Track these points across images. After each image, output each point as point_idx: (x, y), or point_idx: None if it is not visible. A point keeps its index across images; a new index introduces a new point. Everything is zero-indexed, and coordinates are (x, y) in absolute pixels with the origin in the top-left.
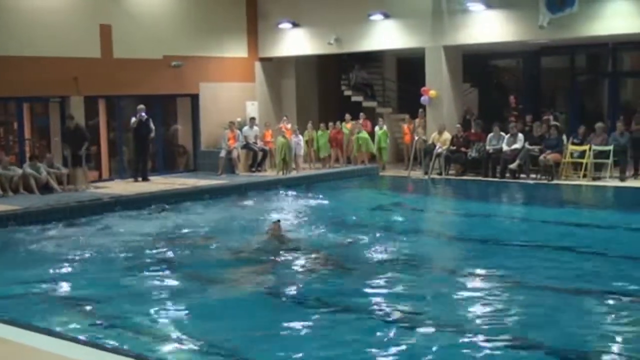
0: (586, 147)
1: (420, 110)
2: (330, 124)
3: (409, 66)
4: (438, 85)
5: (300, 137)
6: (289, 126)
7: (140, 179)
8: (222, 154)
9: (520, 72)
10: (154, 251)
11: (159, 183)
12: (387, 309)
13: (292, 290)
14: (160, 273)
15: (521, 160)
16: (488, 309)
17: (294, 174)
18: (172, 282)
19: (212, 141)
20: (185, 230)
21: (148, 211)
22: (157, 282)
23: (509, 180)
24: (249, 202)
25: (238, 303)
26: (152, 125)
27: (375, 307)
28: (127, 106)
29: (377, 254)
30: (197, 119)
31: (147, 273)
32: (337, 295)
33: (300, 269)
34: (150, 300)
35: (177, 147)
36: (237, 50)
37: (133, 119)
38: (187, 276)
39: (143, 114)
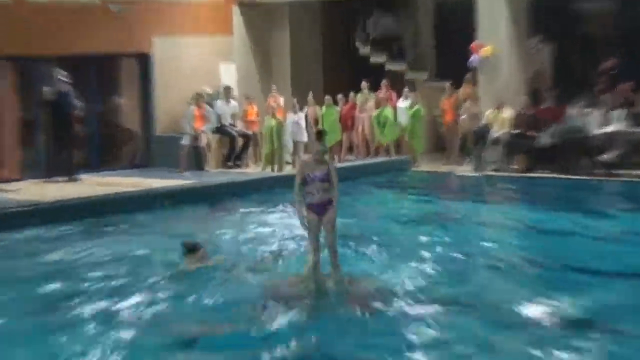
0: None
1: (468, 75)
2: (340, 96)
3: (453, 12)
4: (495, 39)
5: (302, 114)
6: (280, 101)
7: (65, 177)
8: (186, 141)
9: (616, 19)
10: None
11: (92, 184)
12: None
13: None
14: None
15: (620, 148)
16: None
17: (289, 170)
18: None
19: (171, 123)
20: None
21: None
22: None
23: (600, 178)
24: (223, 214)
25: None
26: (75, 101)
27: None
28: (46, 73)
29: (412, 297)
30: (148, 90)
31: None
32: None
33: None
34: None
35: (119, 132)
36: None
37: (46, 89)
38: None
39: (60, 77)
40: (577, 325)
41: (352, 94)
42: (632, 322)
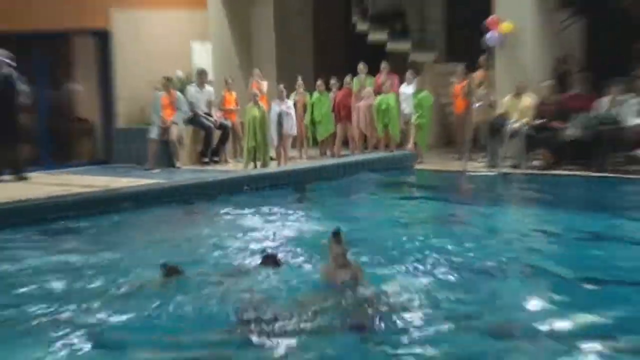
0: None
1: (483, 57)
2: (333, 81)
3: None
4: (515, 13)
5: (289, 103)
6: (264, 87)
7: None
8: (154, 133)
9: None
10: None
11: (43, 183)
12: None
13: None
14: None
15: None
16: None
17: (273, 166)
18: None
19: (136, 112)
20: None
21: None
22: None
23: (636, 177)
24: (197, 217)
25: None
26: (22, 86)
27: None
28: None
29: (428, 318)
30: (108, 73)
31: None
32: None
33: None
34: None
35: (75, 123)
36: None
37: None
38: None
39: (4, 59)
40: (600, 339)
41: (347, 78)
42: None
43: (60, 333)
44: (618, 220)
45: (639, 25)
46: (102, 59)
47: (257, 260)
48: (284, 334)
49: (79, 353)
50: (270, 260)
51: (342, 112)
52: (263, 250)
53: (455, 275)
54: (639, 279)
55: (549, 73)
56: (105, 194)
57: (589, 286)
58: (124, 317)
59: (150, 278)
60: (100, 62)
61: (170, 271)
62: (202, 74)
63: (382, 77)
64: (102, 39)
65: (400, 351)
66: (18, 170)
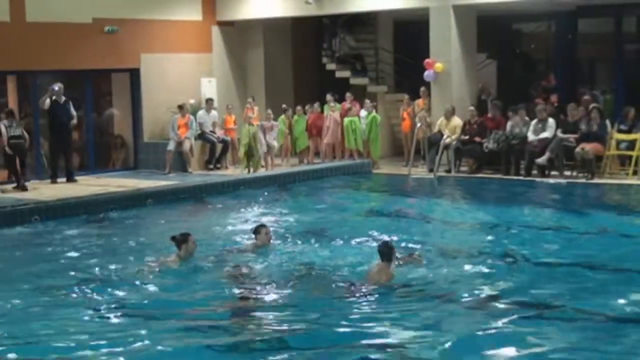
0: (637, 136)
1: (423, 88)
2: (307, 107)
3: (410, 32)
4: (446, 56)
5: (275, 123)
6: (256, 111)
7: (61, 179)
8: (171, 146)
9: (551, 39)
10: None
11: (88, 185)
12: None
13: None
14: None
15: (552, 152)
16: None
17: (262, 171)
18: None
19: (158, 130)
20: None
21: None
22: None
23: (536, 179)
24: (206, 210)
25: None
26: (73, 111)
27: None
28: (45, 85)
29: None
30: (137, 101)
31: None
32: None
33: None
34: None
35: (112, 138)
36: (189, 11)
37: (42, 99)
38: None
39: (56, 87)
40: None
41: (316, 105)
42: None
43: (92, 303)
44: (524, 211)
45: (536, 64)
46: (133, 90)
47: (252, 237)
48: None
49: (108, 317)
50: (261, 229)
51: (314, 130)
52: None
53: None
54: (541, 256)
55: (471, 101)
56: (135, 192)
57: (500, 262)
58: (145, 292)
59: (168, 256)
60: (132, 92)
61: (180, 240)
62: (209, 102)
63: (347, 104)
64: (134, 75)
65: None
66: (69, 174)
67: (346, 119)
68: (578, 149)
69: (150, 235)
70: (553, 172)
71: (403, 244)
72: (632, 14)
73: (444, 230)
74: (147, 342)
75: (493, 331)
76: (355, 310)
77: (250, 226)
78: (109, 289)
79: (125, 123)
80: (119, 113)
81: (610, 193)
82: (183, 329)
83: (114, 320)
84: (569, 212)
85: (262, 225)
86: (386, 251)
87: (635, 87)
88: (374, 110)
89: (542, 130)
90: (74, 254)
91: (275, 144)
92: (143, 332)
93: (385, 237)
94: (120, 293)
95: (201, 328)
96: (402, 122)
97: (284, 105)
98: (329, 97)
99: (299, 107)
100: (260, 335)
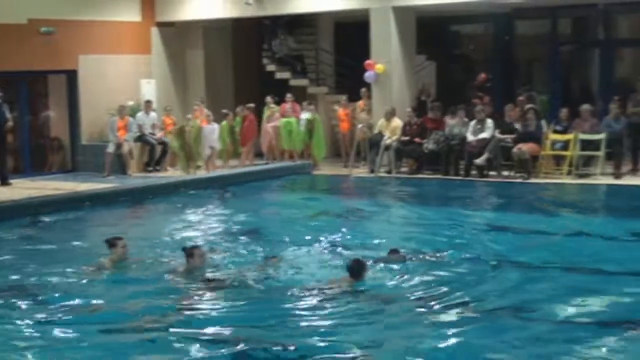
0: (571, 136)
1: (364, 89)
2: (239, 108)
3: (350, 33)
4: (386, 57)
5: (215, 125)
6: (204, 112)
7: None
8: (110, 148)
9: (489, 41)
10: None
11: (23, 187)
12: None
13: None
14: None
15: (490, 153)
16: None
17: (202, 173)
18: None
19: (96, 132)
20: None
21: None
22: None
23: (475, 179)
24: (145, 212)
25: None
26: (7, 113)
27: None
28: None
29: (309, 278)
30: (75, 103)
31: None
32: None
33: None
34: None
35: (49, 141)
36: (127, 12)
37: None
38: None
39: None
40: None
41: (251, 106)
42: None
43: (24, 309)
44: (462, 210)
45: (475, 66)
46: (70, 92)
47: (191, 242)
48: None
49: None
50: (195, 251)
51: (249, 132)
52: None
53: (338, 251)
54: (477, 249)
55: (411, 102)
56: (73, 195)
57: (445, 260)
58: (75, 297)
59: (103, 260)
60: (69, 94)
61: (110, 243)
62: (148, 103)
63: (287, 105)
64: (71, 77)
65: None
66: (3, 177)
67: (282, 120)
68: (515, 149)
69: (89, 238)
70: (491, 172)
71: (347, 245)
72: (566, 16)
73: (387, 230)
74: (74, 348)
75: (444, 332)
76: (305, 315)
77: (190, 230)
78: (43, 293)
79: (62, 125)
80: (56, 115)
81: (546, 192)
82: (115, 335)
83: (45, 326)
84: (504, 211)
85: (196, 247)
86: (356, 268)
87: (570, 88)
88: (314, 112)
89: (480, 130)
90: (7, 257)
91: (216, 146)
92: (72, 337)
93: (330, 239)
94: (54, 297)
95: (130, 336)
96: (339, 122)
97: (224, 110)
98: (268, 99)
99: (238, 109)
100: (197, 343)
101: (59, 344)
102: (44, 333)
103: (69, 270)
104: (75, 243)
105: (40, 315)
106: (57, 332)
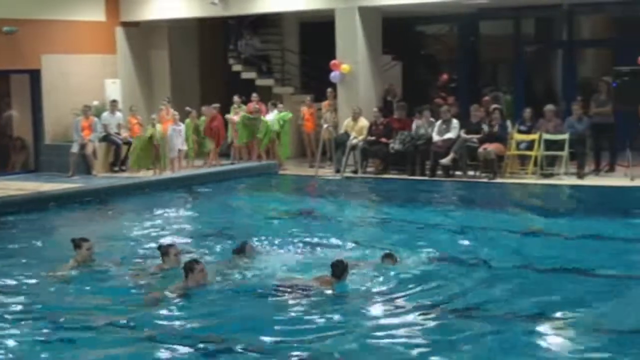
0: (535, 136)
1: (329, 90)
2: (204, 108)
3: (315, 33)
4: (352, 57)
5: (182, 125)
6: (171, 112)
7: None
8: (74, 148)
9: (454, 41)
10: None
11: None
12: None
13: None
14: None
15: (456, 153)
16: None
17: (168, 174)
18: None
19: (61, 132)
20: None
21: None
22: None
23: (440, 179)
24: (110, 213)
25: None
26: None
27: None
28: None
29: (271, 281)
30: (38, 102)
31: None
32: None
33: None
34: None
35: (11, 141)
36: (91, 11)
37: None
38: None
39: None
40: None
41: (215, 105)
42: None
43: None
44: (428, 210)
45: (440, 66)
46: (33, 91)
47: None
48: None
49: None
50: (170, 249)
51: (212, 132)
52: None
53: (305, 250)
54: (443, 248)
55: (377, 102)
56: (36, 195)
57: (412, 260)
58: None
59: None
60: (32, 94)
61: (75, 245)
62: (113, 103)
63: (252, 105)
64: (34, 76)
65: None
66: None
67: (244, 115)
68: (481, 149)
69: (53, 240)
70: (457, 172)
71: (315, 244)
72: (530, 16)
73: (353, 230)
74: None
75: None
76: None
77: (156, 230)
78: (5, 295)
79: (25, 125)
80: (19, 115)
81: (511, 192)
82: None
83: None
84: (469, 211)
85: (171, 245)
86: (340, 267)
87: (533, 88)
88: (284, 111)
89: (446, 131)
90: None
91: (183, 148)
92: (30, 339)
93: (295, 239)
94: (17, 299)
95: (98, 338)
96: (304, 122)
97: (187, 108)
98: (235, 98)
99: (203, 108)
100: (168, 344)
101: (16, 346)
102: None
103: (29, 272)
104: (40, 244)
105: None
106: (15, 332)
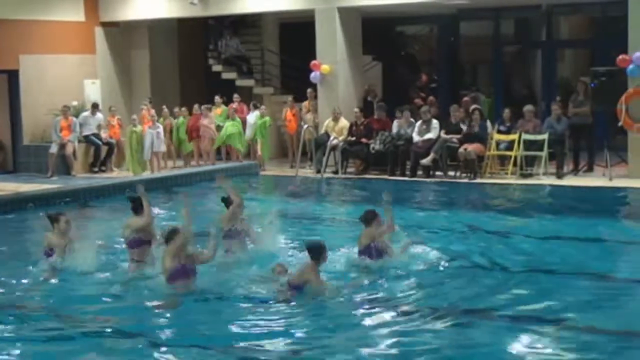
0: (515, 137)
1: (310, 90)
2: (183, 108)
3: (295, 34)
4: (332, 58)
5: (160, 127)
6: (153, 112)
7: None
8: (53, 149)
9: (434, 42)
10: None
11: None
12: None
13: None
14: None
15: (436, 153)
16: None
17: (147, 174)
18: None
19: (39, 133)
20: None
21: None
22: None
23: (421, 179)
24: (90, 213)
25: None
26: None
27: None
28: None
29: (253, 281)
30: (16, 103)
31: None
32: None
33: None
34: None
35: None
36: (70, 11)
37: None
38: None
39: None
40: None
41: (196, 106)
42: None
43: None
44: (409, 210)
45: (421, 67)
46: (11, 91)
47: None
48: None
49: None
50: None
51: (194, 133)
52: None
53: (286, 250)
54: (423, 247)
55: (357, 102)
56: (15, 196)
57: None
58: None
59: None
60: (10, 94)
61: (52, 218)
62: (94, 104)
63: (234, 105)
64: (12, 76)
65: None
66: None
67: (219, 118)
68: (461, 150)
69: (31, 241)
70: (437, 173)
71: (295, 244)
72: (509, 17)
73: (335, 231)
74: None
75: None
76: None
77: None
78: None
79: (3, 126)
80: None
81: (491, 192)
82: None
83: None
84: (450, 211)
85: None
86: (314, 249)
87: (513, 89)
88: (265, 113)
89: (426, 131)
90: None
91: (162, 147)
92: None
93: (278, 238)
94: None
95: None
96: (287, 123)
97: (164, 107)
98: (217, 99)
99: (183, 109)
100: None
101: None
102: None
103: (6, 271)
104: (18, 245)
105: None
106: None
